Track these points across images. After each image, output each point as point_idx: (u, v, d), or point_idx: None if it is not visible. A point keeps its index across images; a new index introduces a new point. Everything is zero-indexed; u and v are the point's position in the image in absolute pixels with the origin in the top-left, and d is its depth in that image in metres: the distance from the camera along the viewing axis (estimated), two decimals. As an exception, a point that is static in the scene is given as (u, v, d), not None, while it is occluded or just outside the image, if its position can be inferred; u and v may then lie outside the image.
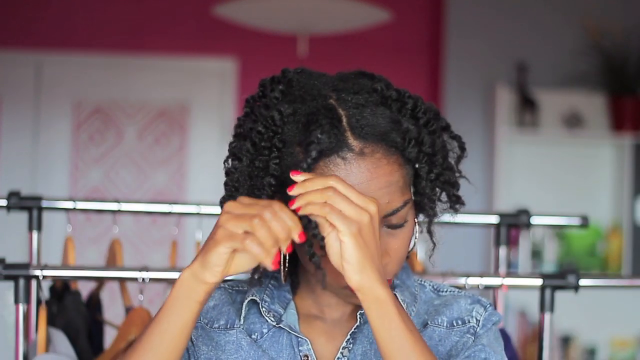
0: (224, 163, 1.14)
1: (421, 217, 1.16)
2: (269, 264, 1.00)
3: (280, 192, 1.08)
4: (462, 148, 1.15)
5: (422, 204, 1.13)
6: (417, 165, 1.10)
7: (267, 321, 1.18)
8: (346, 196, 1.01)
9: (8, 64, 4.67)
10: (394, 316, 1.03)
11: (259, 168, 1.08)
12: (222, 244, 1.01)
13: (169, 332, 1.06)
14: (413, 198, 1.12)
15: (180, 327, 1.06)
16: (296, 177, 1.03)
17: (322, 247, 1.03)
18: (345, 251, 1.00)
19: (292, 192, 1.02)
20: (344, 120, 1.07)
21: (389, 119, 1.08)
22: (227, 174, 1.13)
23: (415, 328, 1.05)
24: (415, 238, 1.14)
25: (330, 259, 1.02)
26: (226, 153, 1.15)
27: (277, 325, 1.18)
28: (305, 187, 1.02)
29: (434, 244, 1.16)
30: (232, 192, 1.11)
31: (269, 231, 1.00)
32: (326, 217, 1.00)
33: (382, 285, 1.02)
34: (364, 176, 1.06)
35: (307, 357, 1.16)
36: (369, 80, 1.13)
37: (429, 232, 1.16)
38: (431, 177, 1.12)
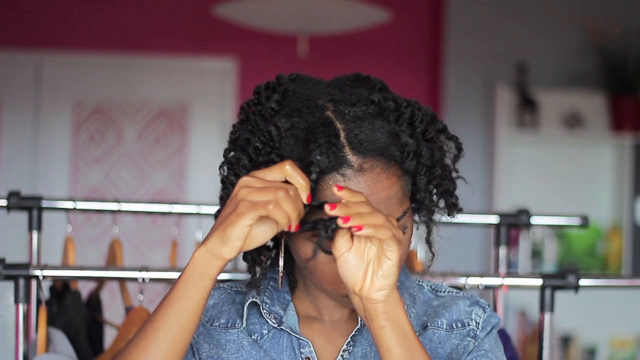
0: (219, 169, 1.14)
1: (416, 228, 1.16)
2: (293, 229, 1.02)
3: None
4: (459, 148, 1.15)
5: (420, 211, 1.14)
6: (416, 177, 1.11)
7: (267, 322, 1.18)
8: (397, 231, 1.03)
9: (8, 64, 4.67)
10: (408, 324, 1.05)
11: None
12: (246, 216, 1.01)
13: (184, 312, 1.05)
14: (411, 205, 1.12)
15: (195, 306, 1.06)
16: (340, 193, 1.02)
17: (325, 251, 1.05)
18: (387, 269, 1.02)
19: (335, 212, 1.01)
20: (342, 135, 1.06)
21: (388, 133, 1.08)
22: (222, 183, 1.13)
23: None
24: (410, 242, 1.14)
25: (344, 273, 1.03)
26: (223, 151, 1.15)
27: (277, 327, 1.18)
28: (366, 221, 1.01)
29: (433, 254, 1.16)
30: None
31: (293, 203, 1.01)
32: (385, 241, 1.01)
33: (402, 304, 1.05)
34: (363, 192, 1.05)
35: (309, 359, 1.16)
36: (365, 89, 1.12)
37: (428, 242, 1.16)
38: (430, 188, 1.12)
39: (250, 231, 1.03)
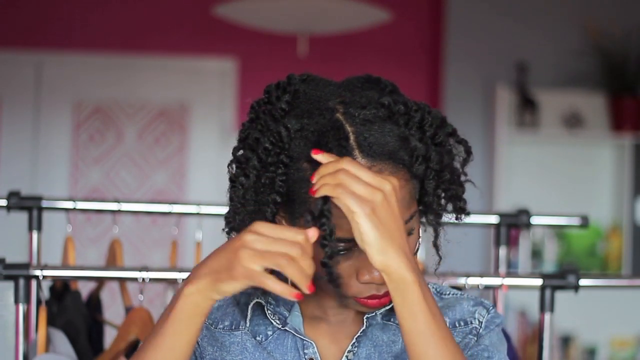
0: (227, 167, 1.14)
1: (424, 230, 1.16)
2: (293, 297, 1.00)
3: (284, 208, 1.09)
4: (469, 152, 1.15)
5: (428, 215, 1.13)
6: (424, 181, 1.10)
7: (272, 323, 1.18)
8: (358, 177, 1.00)
9: (8, 64, 4.67)
10: (418, 299, 1.02)
11: (265, 184, 1.08)
12: (239, 281, 1.00)
13: (177, 348, 1.05)
14: (419, 208, 1.12)
15: (189, 342, 1.05)
16: (317, 156, 1.04)
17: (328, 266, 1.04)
18: (362, 233, 1.00)
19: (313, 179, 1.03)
20: (352, 137, 1.06)
21: (397, 137, 1.08)
22: (231, 182, 1.13)
23: (439, 312, 1.05)
24: (419, 243, 1.14)
25: (357, 242, 1.02)
26: (227, 153, 1.15)
27: (282, 328, 1.18)
28: (320, 172, 1.02)
29: (440, 257, 1.15)
30: (237, 207, 1.10)
31: (298, 269, 0.99)
32: (339, 198, 1.00)
33: (408, 267, 1.01)
34: None
35: (313, 359, 1.16)
36: (376, 91, 1.12)
37: (435, 246, 1.15)
38: (438, 193, 1.11)
39: None
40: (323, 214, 1.01)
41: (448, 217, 1.15)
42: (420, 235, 1.14)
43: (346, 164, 1.01)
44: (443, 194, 1.12)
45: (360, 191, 1.00)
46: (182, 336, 1.04)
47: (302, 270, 0.99)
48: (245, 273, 1.00)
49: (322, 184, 1.01)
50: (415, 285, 1.02)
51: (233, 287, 1.01)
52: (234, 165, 1.13)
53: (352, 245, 1.07)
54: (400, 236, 1.02)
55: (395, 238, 1.01)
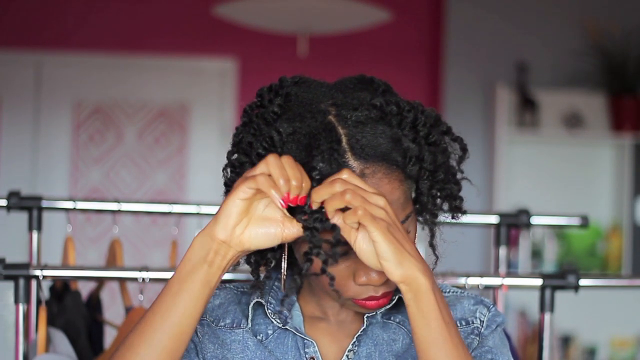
0: (222, 171, 1.14)
1: (422, 228, 1.16)
2: (277, 201, 1.01)
3: None
4: (464, 149, 1.15)
5: (423, 214, 1.13)
6: (419, 182, 1.10)
7: (272, 322, 1.18)
8: (361, 195, 1.01)
9: (8, 64, 4.67)
10: (432, 306, 1.02)
11: None
12: (238, 189, 1.02)
13: (185, 297, 1.05)
14: (415, 206, 1.12)
15: (196, 292, 1.05)
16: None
17: (325, 262, 1.04)
18: (380, 250, 1.00)
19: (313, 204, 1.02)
20: (344, 140, 1.06)
21: (390, 138, 1.07)
22: (226, 186, 1.13)
23: (451, 320, 1.04)
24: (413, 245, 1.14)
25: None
26: (226, 154, 1.15)
27: (282, 327, 1.18)
28: (321, 194, 1.02)
29: (437, 257, 1.15)
30: None
31: (281, 169, 1.01)
32: (360, 221, 1.00)
33: (424, 274, 1.02)
34: None
35: (314, 359, 1.16)
36: (369, 92, 1.12)
37: (432, 246, 1.15)
38: (433, 193, 1.11)
39: (244, 207, 1.04)
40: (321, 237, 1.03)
41: (445, 217, 1.14)
42: (417, 235, 1.14)
43: (344, 180, 1.01)
44: (438, 194, 1.12)
45: (374, 211, 1.00)
46: (191, 284, 1.05)
47: (283, 171, 1.01)
48: (241, 180, 1.03)
49: (336, 210, 1.00)
50: (430, 292, 1.02)
51: (233, 200, 1.02)
52: (228, 170, 1.13)
53: (349, 248, 1.07)
54: (409, 244, 1.03)
55: (407, 249, 1.02)
